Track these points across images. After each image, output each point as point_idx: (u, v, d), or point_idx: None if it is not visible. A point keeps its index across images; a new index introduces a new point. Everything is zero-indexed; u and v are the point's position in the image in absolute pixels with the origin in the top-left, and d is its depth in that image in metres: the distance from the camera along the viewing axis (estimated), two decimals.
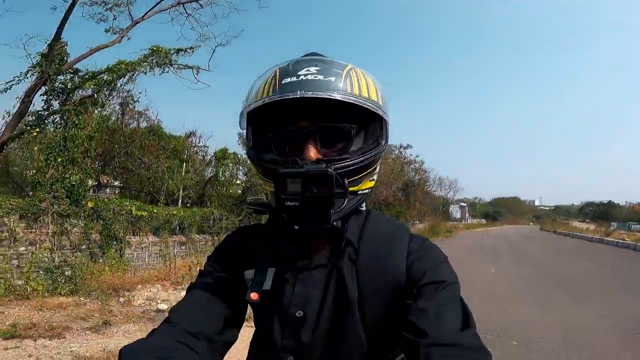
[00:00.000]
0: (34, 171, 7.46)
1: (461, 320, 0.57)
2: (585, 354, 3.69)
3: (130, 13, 9.43)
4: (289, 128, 0.65)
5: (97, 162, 10.32)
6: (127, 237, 7.81)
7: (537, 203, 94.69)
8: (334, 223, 0.62)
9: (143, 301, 4.68)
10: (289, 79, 0.64)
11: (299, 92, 0.61)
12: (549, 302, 5.81)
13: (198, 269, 0.79)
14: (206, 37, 9.60)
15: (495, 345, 4.00)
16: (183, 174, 11.28)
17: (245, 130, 0.70)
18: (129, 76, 8.32)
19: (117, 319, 4.16)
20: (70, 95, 8.12)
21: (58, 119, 7.98)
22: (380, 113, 0.66)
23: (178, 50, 8.37)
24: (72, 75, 8.21)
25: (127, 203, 8.45)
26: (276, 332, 0.68)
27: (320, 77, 0.63)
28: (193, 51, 8.61)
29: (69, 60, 8.19)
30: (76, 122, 7.73)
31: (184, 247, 9.01)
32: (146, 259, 7.98)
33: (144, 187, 10.40)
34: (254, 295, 0.65)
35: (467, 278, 8.43)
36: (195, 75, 8.67)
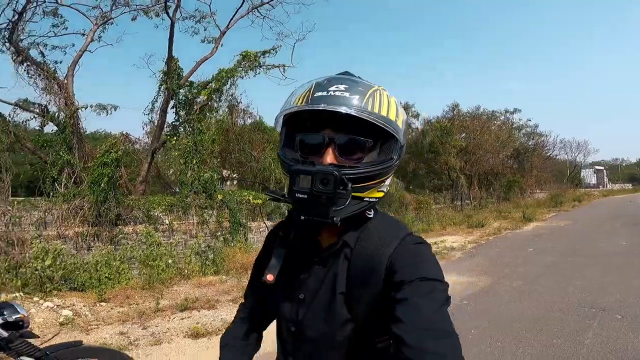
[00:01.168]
0: (177, 173, 9.31)
1: (435, 309, 0.65)
2: None
3: (216, 23, 10.71)
4: (315, 134, 0.76)
5: (218, 159, 12.30)
6: (248, 222, 9.29)
7: None
8: (334, 219, 0.70)
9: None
10: (319, 93, 0.74)
11: (322, 105, 0.71)
12: None
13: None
14: (284, 35, 10.43)
15: (595, 317, 3.95)
16: None
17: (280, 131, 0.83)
18: (231, 82, 9.68)
19: None
20: (192, 105, 9.84)
21: (187, 127, 9.82)
22: (390, 130, 0.74)
23: (264, 52, 9.32)
24: (189, 88, 9.91)
25: (246, 193, 9.93)
26: (287, 307, 0.84)
27: (346, 94, 0.73)
28: (276, 51, 9.48)
29: (183, 75, 9.90)
30: (200, 128, 9.39)
31: None
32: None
33: (256, 178, 12.02)
34: (270, 277, 0.77)
35: (591, 251, 7.79)
36: (283, 73, 9.57)
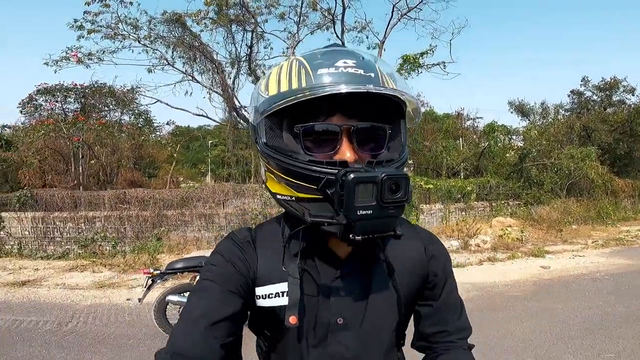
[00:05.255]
0: None
1: (460, 303, 0.85)
2: None
3: (372, 32, 12.54)
4: (328, 124, 0.65)
5: None
6: (420, 205, 11.38)
7: None
8: (397, 230, 0.63)
9: None
10: (326, 69, 0.63)
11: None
12: None
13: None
14: (439, 31, 11.59)
15: None
16: (461, 147, 13.91)
17: (256, 124, 0.69)
18: None
19: None
20: None
21: None
22: (420, 109, 0.72)
23: (422, 54, 10.77)
24: None
25: (418, 179, 12.08)
26: (322, 346, 0.73)
27: (361, 71, 0.63)
28: (433, 51, 10.74)
29: None
30: None
31: (463, 213, 11.68)
32: (434, 222, 11.29)
33: (429, 165, 13.98)
34: (292, 320, 0.66)
35: None
36: (443, 70, 10.90)
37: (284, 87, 0.65)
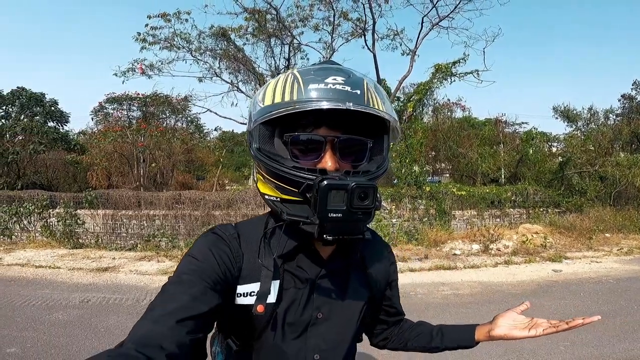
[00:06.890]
0: (394, 169, 13.15)
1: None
2: None
3: (403, 42, 13.02)
4: (314, 135, 0.76)
5: (430, 154, 15.56)
6: (452, 211, 12.03)
7: None
8: (365, 234, 0.74)
9: (448, 249, 8.71)
10: (315, 85, 0.72)
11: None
12: None
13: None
14: (474, 39, 11.70)
15: None
16: (502, 154, 14.29)
17: (251, 130, 0.79)
18: (429, 92, 12.31)
19: (433, 256, 8.40)
20: (402, 116, 13.13)
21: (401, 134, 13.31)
22: (398, 128, 0.80)
23: (454, 63, 11.24)
24: (397, 102, 12.86)
25: (451, 186, 12.72)
26: (302, 338, 0.83)
27: (348, 88, 0.72)
28: (465, 60, 11.15)
29: (391, 92, 12.89)
30: (409, 134, 12.82)
31: (498, 219, 12.15)
32: (465, 227, 11.94)
33: (463, 172, 14.57)
34: (260, 308, 0.74)
35: None
36: (477, 78, 11.32)
37: (278, 99, 0.74)
